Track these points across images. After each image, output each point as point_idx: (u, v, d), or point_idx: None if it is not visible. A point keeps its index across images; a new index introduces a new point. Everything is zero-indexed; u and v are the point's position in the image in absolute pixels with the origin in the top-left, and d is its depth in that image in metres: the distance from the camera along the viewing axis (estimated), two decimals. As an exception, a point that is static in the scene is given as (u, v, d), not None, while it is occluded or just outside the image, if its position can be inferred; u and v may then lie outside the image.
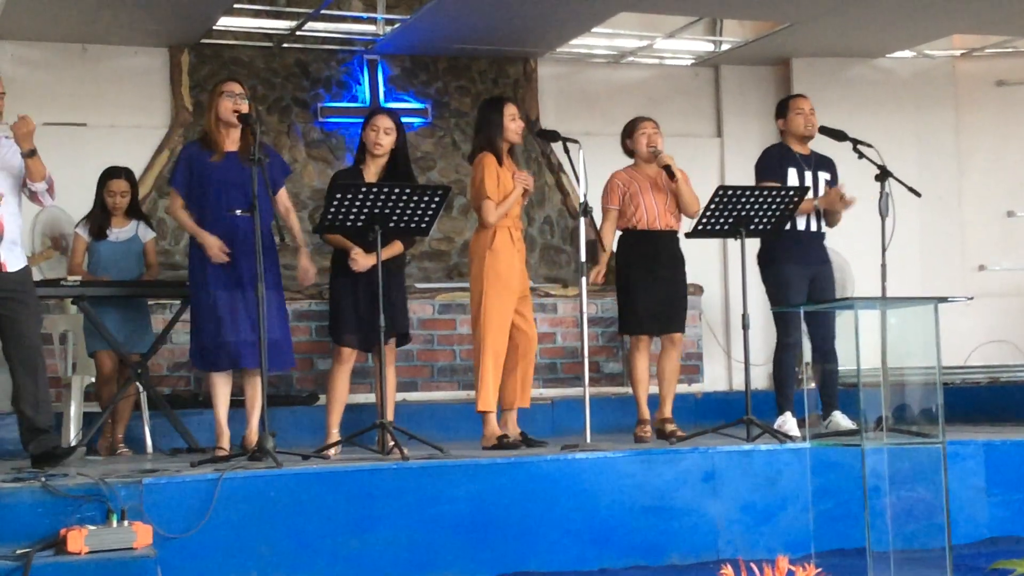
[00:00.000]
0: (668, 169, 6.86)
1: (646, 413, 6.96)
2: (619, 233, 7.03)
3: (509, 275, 6.51)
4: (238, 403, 6.41)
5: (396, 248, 6.49)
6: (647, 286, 6.87)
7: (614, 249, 7.03)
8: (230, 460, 5.75)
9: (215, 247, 6.08)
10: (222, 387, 6.23)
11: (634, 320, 6.92)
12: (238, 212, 6.00)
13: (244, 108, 6.14)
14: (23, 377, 5.88)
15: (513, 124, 6.60)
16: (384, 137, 6.43)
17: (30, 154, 5.81)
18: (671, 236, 6.95)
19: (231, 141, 6.19)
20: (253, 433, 6.23)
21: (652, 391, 7.05)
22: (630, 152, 7.07)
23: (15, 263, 5.91)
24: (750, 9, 9.31)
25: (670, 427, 6.84)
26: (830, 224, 7.18)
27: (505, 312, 6.49)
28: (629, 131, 7.06)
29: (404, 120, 6.79)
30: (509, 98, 7.11)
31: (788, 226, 6.97)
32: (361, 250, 6.34)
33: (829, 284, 7.15)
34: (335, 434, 6.41)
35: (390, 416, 6.26)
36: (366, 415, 6.62)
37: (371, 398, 6.74)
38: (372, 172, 6.50)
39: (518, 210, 6.67)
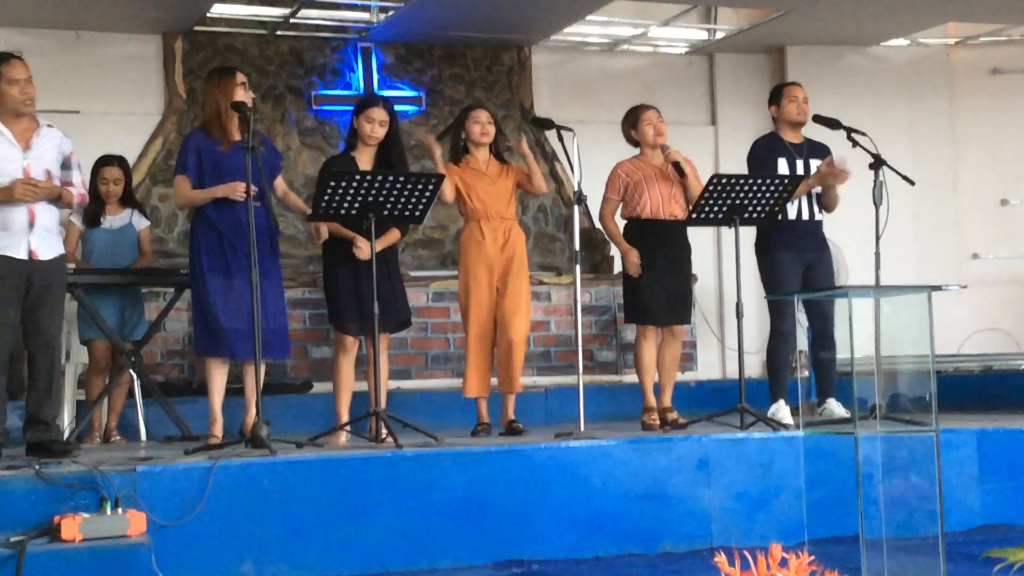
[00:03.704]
0: (678, 166, 6.83)
1: (652, 401, 6.96)
2: (624, 222, 6.98)
3: (477, 268, 6.64)
4: (236, 391, 6.41)
5: (394, 236, 6.50)
6: (652, 275, 6.83)
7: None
8: (224, 448, 5.76)
9: (237, 186, 6.02)
10: (218, 375, 6.23)
11: (640, 309, 6.89)
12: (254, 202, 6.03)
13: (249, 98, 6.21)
14: (40, 364, 5.86)
15: (476, 127, 6.74)
16: (379, 129, 6.43)
17: (57, 199, 5.86)
18: (676, 226, 6.88)
19: (235, 130, 6.18)
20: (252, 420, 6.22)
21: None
22: (634, 141, 7.00)
23: (48, 251, 5.84)
24: (744, -3, 9.31)
25: (671, 415, 6.87)
26: (827, 209, 7.17)
27: (477, 302, 6.63)
28: (632, 120, 6.97)
29: (398, 108, 6.80)
30: (481, 104, 7.27)
31: (781, 215, 6.98)
32: (363, 238, 6.30)
33: (827, 271, 7.15)
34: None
35: (383, 404, 6.29)
36: (359, 403, 6.61)
37: (364, 386, 6.75)
38: (365, 160, 6.48)
39: (501, 205, 6.70)
